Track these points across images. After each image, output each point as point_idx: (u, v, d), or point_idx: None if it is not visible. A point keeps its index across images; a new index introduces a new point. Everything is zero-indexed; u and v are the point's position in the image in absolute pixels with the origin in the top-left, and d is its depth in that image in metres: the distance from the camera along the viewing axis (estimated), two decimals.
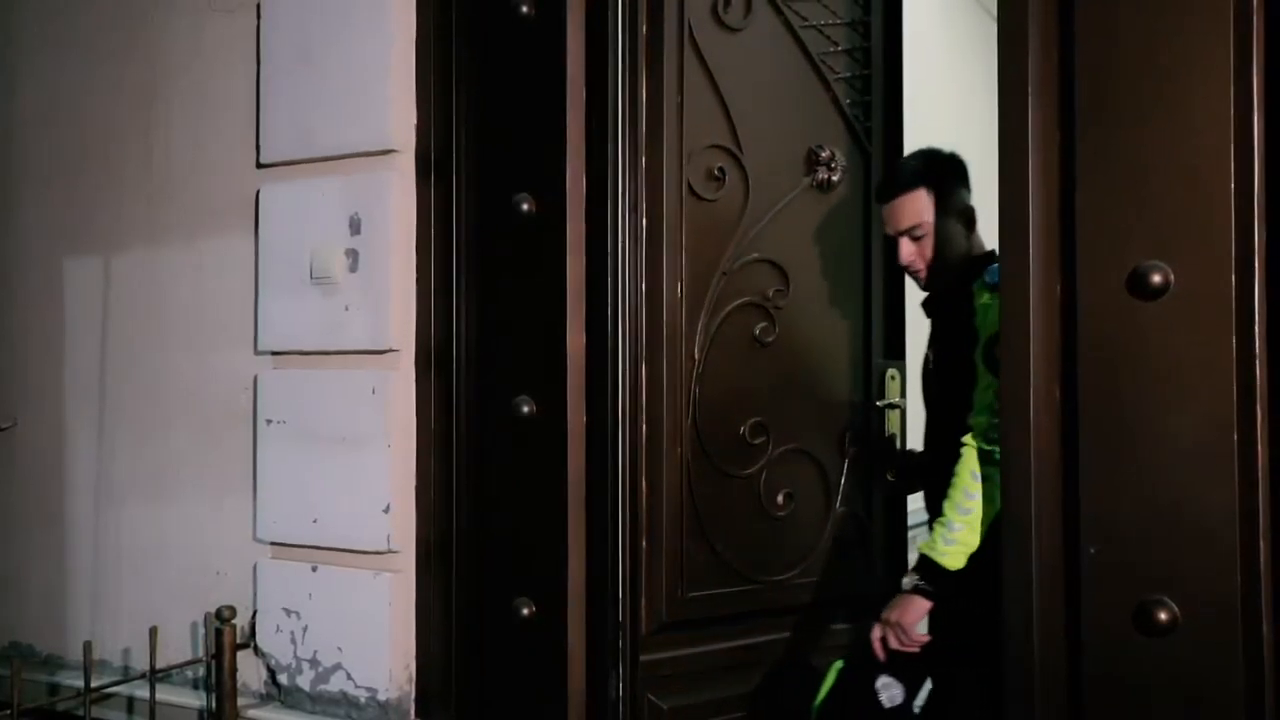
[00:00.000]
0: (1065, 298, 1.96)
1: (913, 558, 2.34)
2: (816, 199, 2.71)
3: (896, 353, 2.89)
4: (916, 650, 2.24)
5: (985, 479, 2.19)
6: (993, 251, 2.24)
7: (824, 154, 2.68)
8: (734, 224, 2.59)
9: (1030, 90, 1.99)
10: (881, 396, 2.82)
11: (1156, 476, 1.88)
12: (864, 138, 2.83)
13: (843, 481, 2.68)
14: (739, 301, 2.61)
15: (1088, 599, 1.93)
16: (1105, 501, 1.91)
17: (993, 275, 2.19)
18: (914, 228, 2.40)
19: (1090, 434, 1.93)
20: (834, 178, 2.71)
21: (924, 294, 2.54)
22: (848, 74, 2.81)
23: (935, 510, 2.34)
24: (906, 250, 2.42)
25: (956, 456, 2.25)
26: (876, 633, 2.27)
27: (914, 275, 2.47)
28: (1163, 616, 1.86)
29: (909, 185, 2.41)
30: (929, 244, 2.40)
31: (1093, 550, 1.92)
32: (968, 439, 2.23)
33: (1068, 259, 1.96)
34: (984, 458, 2.21)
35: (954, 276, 2.40)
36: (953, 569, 2.21)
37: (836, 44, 2.79)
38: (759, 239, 2.63)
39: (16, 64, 3.11)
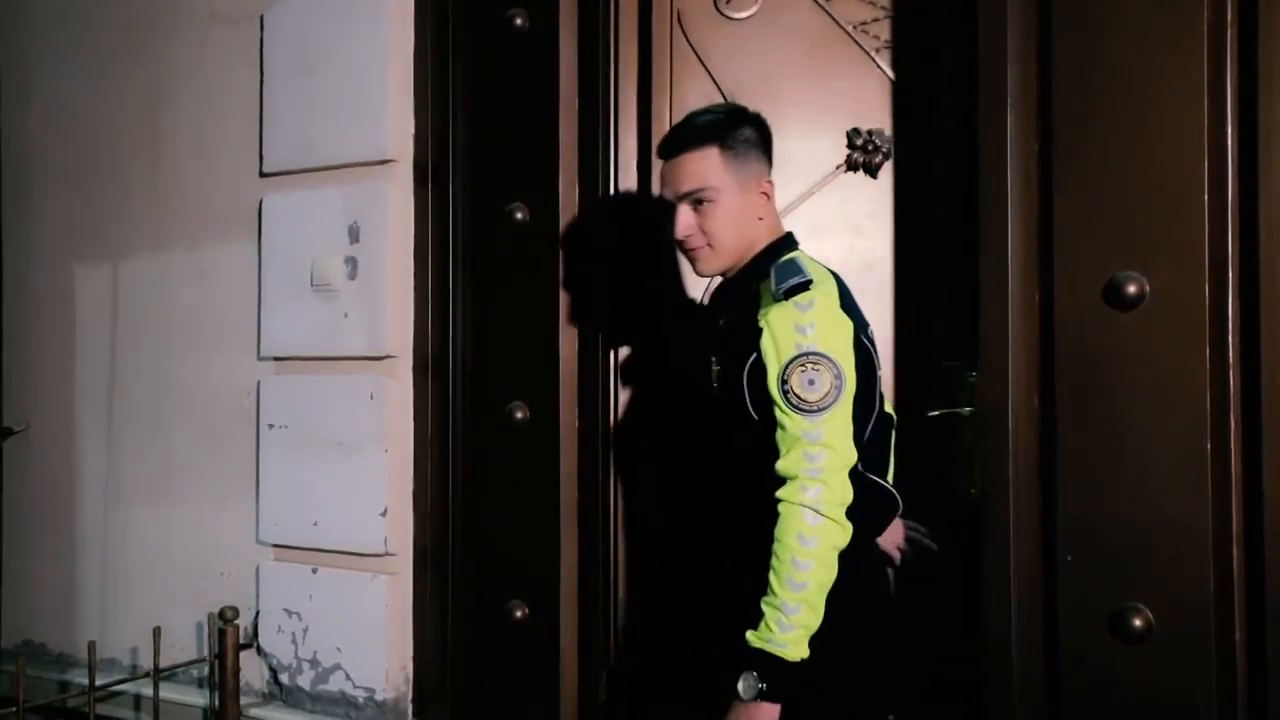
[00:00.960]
0: (1044, 308, 1.99)
1: None
2: (860, 184, 2.38)
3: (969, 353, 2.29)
4: None
5: (814, 538, 1.69)
6: (789, 235, 1.95)
7: (861, 136, 2.36)
8: None
9: (1009, 102, 2.02)
10: (957, 403, 2.19)
11: (1133, 484, 1.90)
12: (921, 109, 2.37)
13: None
14: None
15: (1064, 606, 1.96)
16: (1082, 510, 1.94)
17: (786, 276, 1.78)
18: (698, 191, 1.87)
19: (1067, 443, 1.96)
20: (875, 160, 2.37)
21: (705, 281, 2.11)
22: (893, 41, 2.36)
23: (729, 585, 1.88)
24: (685, 221, 1.88)
25: (762, 515, 1.75)
26: None
27: (690, 255, 1.92)
28: (1138, 623, 1.89)
29: (699, 140, 1.88)
30: (714, 217, 1.87)
31: (1069, 558, 1.95)
32: (784, 493, 1.71)
33: (1046, 269, 1.99)
34: (805, 514, 1.70)
35: (742, 265, 1.93)
36: (796, 660, 1.70)
37: (881, 7, 2.37)
38: None
39: (30, 75, 3.17)
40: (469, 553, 2.57)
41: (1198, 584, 1.85)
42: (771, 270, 1.81)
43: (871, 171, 2.36)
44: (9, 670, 2.94)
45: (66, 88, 3.12)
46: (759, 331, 1.78)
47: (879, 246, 2.36)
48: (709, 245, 1.89)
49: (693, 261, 1.93)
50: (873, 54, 2.16)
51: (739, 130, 1.90)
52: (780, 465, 1.72)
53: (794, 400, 1.72)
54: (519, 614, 2.48)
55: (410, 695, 2.60)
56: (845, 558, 1.73)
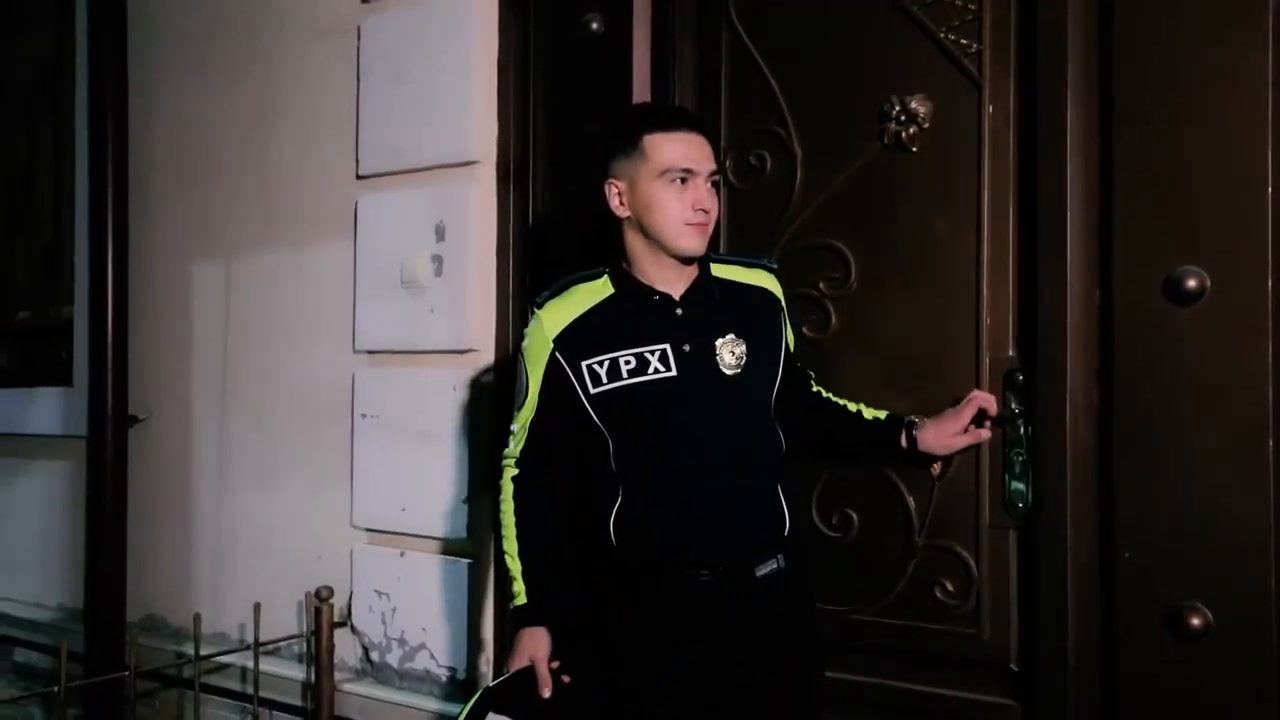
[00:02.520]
0: (1104, 302, 1.97)
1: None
2: (894, 161, 2.20)
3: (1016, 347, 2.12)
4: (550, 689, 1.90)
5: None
6: None
7: (896, 107, 2.17)
8: (781, 212, 2.33)
9: (1069, 93, 2.00)
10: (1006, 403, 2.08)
11: (1191, 481, 1.88)
12: (970, 66, 2.13)
13: (931, 509, 2.14)
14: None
15: (1122, 604, 1.94)
16: (1140, 505, 1.92)
17: (756, 255, 2.12)
18: (715, 173, 1.94)
19: (1125, 438, 1.94)
20: (910, 131, 2.17)
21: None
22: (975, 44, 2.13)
23: None
24: (711, 198, 1.92)
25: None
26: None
27: (691, 231, 1.90)
28: (1195, 621, 1.86)
29: (702, 128, 1.96)
30: (716, 202, 1.95)
31: (1127, 554, 1.93)
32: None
33: (1105, 265, 1.97)
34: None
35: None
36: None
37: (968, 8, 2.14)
38: (813, 223, 2.30)
39: (155, 86, 3.39)
40: None
41: (1258, 583, 1.82)
42: (730, 257, 2.08)
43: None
44: (136, 641, 3.18)
45: (185, 97, 3.34)
46: (774, 302, 2.03)
47: None
48: (709, 226, 1.93)
49: (689, 239, 1.90)
50: (961, 57, 2.15)
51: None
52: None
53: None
54: None
55: (491, 676, 2.70)
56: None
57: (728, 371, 1.91)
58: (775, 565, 1.92)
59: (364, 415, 2.87)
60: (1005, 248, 2.07)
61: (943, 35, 2.14)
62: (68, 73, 3.70)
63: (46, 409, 3.69)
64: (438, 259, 2.74)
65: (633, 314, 1.95)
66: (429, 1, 2.78)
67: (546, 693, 1.90)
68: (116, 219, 3.30)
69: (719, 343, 1.92)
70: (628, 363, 1.91)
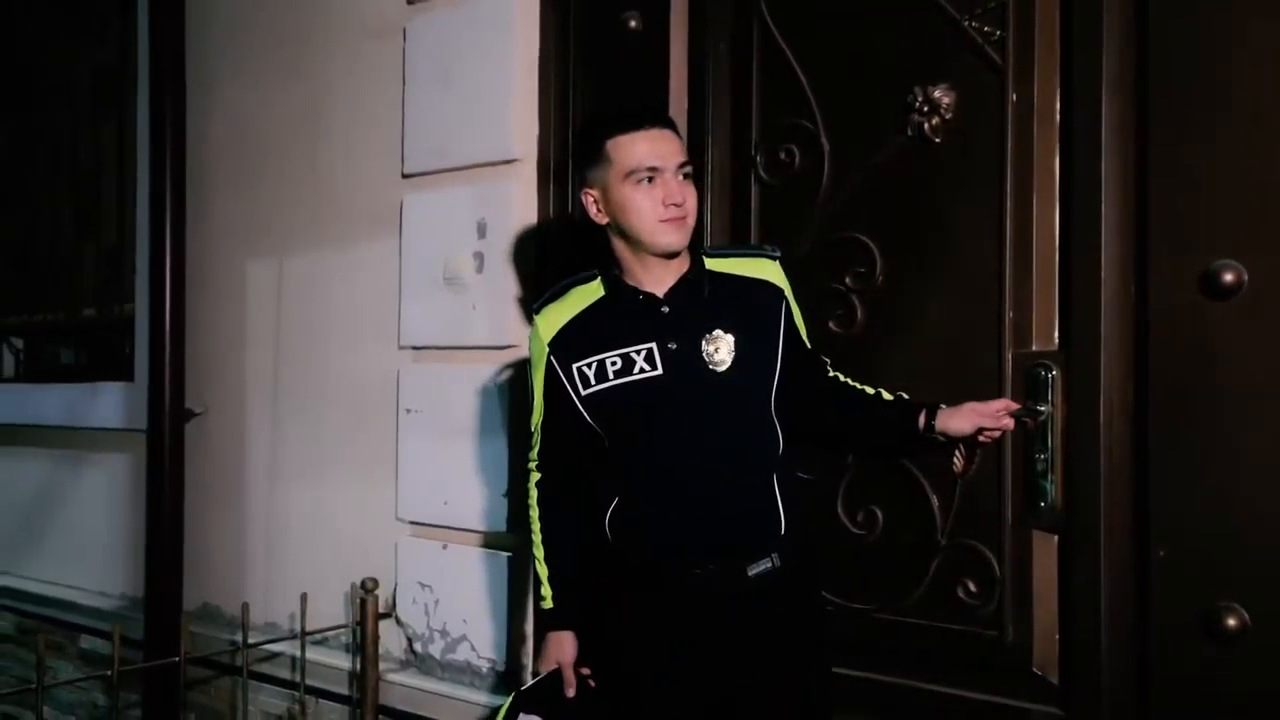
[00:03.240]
0: (1138, 297, 1.94)
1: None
2: (920, 152, 2.17)
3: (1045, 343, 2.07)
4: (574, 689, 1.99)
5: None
6: None
7: (919, 98, 2.15)
8: (809, 206, 2.32)
9: (1104, 86, 1.97)
10: (1033, 400, 2.03)
11: (1227, 479, 1.84)
12: (994, 53, 2.09)
13: (954, 508, 2.12)
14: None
15: (1155, 604, 1.90)
16: (1175, 503, 1.89)
17: (757, 245, 2.21)
18: (686, 165, 1.93)
19: (1161, 434, 1.90)
20: (932, 122, 2.15)
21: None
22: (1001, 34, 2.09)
23: None
24: (684, 190, 1.90)
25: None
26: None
27: (670, 226, 1.90)
28: (1231, 622, 1.83)
29: (667, 123, 1.96)
30: (693, 194, 1.93)
31: (1161, 553, 1.90)
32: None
33: (1140, 258, 1.93)
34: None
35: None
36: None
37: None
38: (840, 217, 2.28)
39: (211, 89, 3.48)
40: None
41: None
42: (728, 249, 2.10)
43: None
44: (191, 629, 3.27)
45: (240, 99, 3.42)
46: (775, 291, 1.99)
47: None
48: (688, 219, 1.91)
49: (667, 235, 1.90)
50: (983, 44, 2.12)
51: None
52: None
53: None
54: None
55: (530, 668, 2.73)
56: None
57: (717, 369, 1.90)
58: (769, 565, 1.90)
59: (408, 410, 2.92)
60: (1030, 240, 2.04)
61: (967, 23, 2.11)
62: (130, 78, 3.82)
63: (110, 403, 3.81)
64: (479, 256, 2.77)
65: (621, 315, 1.96)
66: (472, 2, 2.82)
67: (570, 693, 1.97)
68: (174, 218, 3.38)
69: (706, 339, 1.91)
70: (614, 363, 1.93)
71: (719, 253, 2.04)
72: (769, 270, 2.01)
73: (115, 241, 3.96)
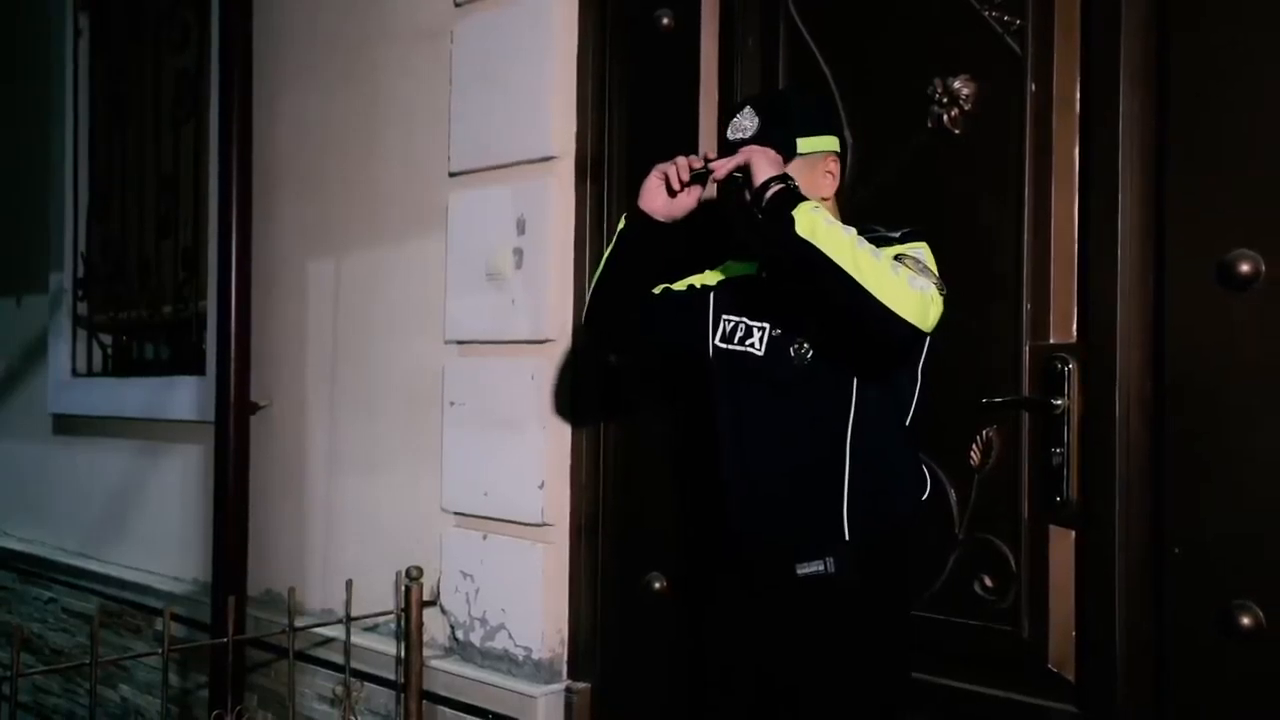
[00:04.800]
0: (1155, 289, 1.90)
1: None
2: (940, 143, 2.17)
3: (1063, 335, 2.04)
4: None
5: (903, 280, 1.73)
6: None
7: (939, 90, 2.15)
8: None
9: (1123, 77, 1.94)
10: (1047, 393, 2.00)
11: (1245, 474, 1.80)
12: (1013, 42, 2.07)
13: (971, 502, 2.11)
14: None
15: (1171, 602, 1.87)
16: (1192, 500, 1.85)
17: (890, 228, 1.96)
18: None
19: (1177, 429, 1.87)
20: (951, 114, 2.15)
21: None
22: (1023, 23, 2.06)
23: None
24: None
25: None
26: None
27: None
28: (1246, 621, 1.79)
29: None
30: None
31: (1177, 550, 1.86)
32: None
33: (1157, 249, 1.90)
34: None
35: None
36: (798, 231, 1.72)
37: None
38: (863, 211, 2.15)
39: (277, 90, 3.60)
40: (618, 526, 2.72)
41: None
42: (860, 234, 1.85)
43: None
44: (254, 614, 3.40)
45: (303, 102, 3.53)
46: None
47: None
48: None
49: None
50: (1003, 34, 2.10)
51: None
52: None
53: (907, 262, 1.76)
54: (658, 586, 2.61)
55: (565, 656, 2.78)
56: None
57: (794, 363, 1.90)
58: (821, 568, 1.85)
59: (452, 403, 2.99)
60: (1048, 231, 2.01)
61: (986, 13, 2.09)
62: (206, 83, 3.97)
63: (185, 396, 3.97)
64: (518, 252, 2.83)
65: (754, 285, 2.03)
66: (514, 3, 2.88)
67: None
68: (241, 218, 3.52)
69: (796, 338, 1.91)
70: (741, 330, 2.00)
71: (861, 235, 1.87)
72: (882, 249, 1.82)
73: (193, 241, 4.13)
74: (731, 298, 2.05)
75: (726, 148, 1.93)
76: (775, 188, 1.77)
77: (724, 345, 2.00)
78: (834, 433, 1.86)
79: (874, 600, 1.87)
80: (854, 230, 1.75)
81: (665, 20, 2.63)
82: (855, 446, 1.85)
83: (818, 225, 1.71)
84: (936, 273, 1.79)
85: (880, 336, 1.73)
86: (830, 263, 1.69)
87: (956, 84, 2.12)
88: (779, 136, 1.88)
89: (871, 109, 2.27)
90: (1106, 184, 1.94)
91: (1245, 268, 1.78)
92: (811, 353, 1.89)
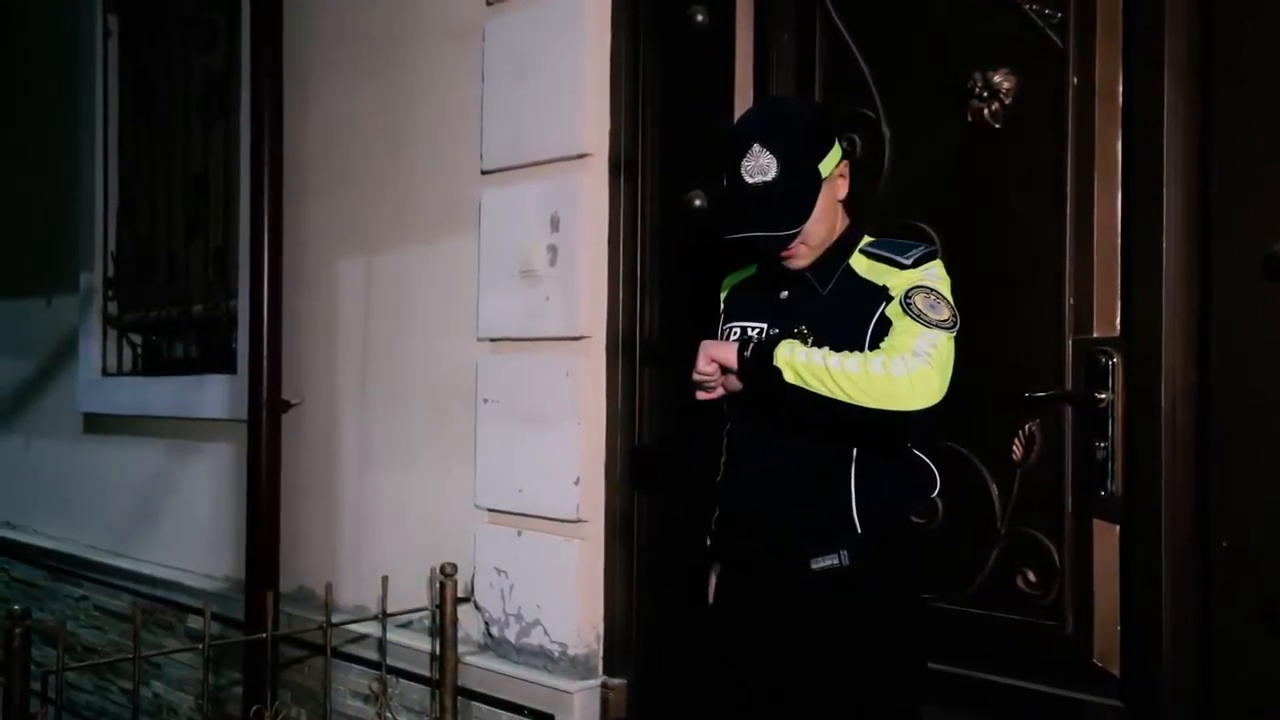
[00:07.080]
0: (1201, 282, 1.89)
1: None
2: (980, 137, 2.16)
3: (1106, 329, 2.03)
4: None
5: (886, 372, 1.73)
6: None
7: (978, 83, 2.13)
8: (870, 194, 2.30)
9: (1166, 68, 1.93)
10: (1091, 387, 1.99)
11: None
12: (1054, 33, 2.06)
13: (1014, 496, 2.10)
14: None
15: (1217, 594, 1.86)
16: (1238, 492, 1.84)
17: (904, 248, 1.92)
18: None
19: (1223, 421, 1.86)
20: (992, 108, 2.14)
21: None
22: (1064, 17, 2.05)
23: None
24: None
25: None
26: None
27: (786, 258, 1.94)
28: None
29: None
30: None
31: (1224, 543, 1.85)
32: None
33: (1203, 242, 1.89)
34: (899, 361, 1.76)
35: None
36: (778, 366, 1.78)
37: None
38: (901, 205, 2.26)
39: (308, 88, 3.62)
40: (653, 522, 2.72)
41: None
42: (881, 247, 1.89)
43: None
44: (286, 610, 3.42)
45: (333, 100, 3.55)
46: (885, 296, 1.83)
47: None
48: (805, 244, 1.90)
49: (787, 260, 1.92)
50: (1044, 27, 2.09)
51: None
52: (884, 345, 1.77)
53: (914, 311, 1.76)
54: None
55: (600, 653, 2.78)
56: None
57: None
58: (835, 561, 1.86)
59: (485, 400, 3.00)
60: (1089, 224, 2.01)
61: (1026, 5, 2.09)
62: (236, 84, 3.99)
63: (215, 395, 3.99)
64: (552, 249, 2.83)
65: (760, 287, 2.04)
66: (547, 1, 2.89)
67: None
68: (272, 217, 3.53)
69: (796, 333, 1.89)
70: (735, 334, 2.00)
71: (871, 251, 1.91)
72: (893, 278, 1.85)
73: (223, 240, 4.15)
74: (735, 307, 2.08)
75: (743, 189, 1.86)
76: (744, 356, 1.86)
77: None
78: (840, 428, 1.87)
79: (888, 589, 1.90)
80: (825, 350, 1.77)
81: (699, 16, 2.63)
82: (862, 441, 1.87)
83: (799, 367, 1.77)
84: (950, 297, 1.80)
85: (887, 423, 1.80)
86: (820, 398, 1.76)
87: (996, 77, 2.11)
88: (804, 170, 1.85)
89: (910, 103, 2.27)
90: (1150, 176, 1.93)
91: None
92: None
